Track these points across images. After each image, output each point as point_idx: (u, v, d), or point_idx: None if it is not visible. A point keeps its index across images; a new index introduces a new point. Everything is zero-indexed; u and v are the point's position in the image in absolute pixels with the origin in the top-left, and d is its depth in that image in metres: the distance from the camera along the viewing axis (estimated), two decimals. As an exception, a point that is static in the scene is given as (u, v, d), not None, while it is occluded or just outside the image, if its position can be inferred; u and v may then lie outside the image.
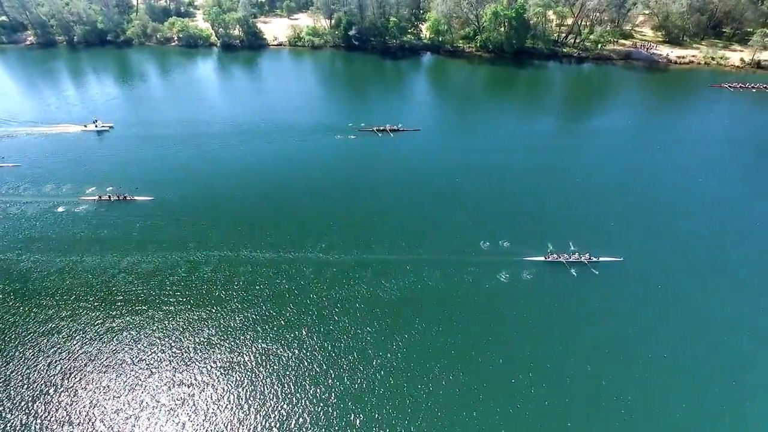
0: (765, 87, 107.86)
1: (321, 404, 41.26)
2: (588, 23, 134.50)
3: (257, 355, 45.61)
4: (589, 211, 66.71)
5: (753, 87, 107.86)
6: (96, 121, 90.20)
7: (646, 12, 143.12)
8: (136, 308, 50.52)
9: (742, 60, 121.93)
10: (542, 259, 56.74)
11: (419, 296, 52.16)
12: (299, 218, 64.26)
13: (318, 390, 42.30)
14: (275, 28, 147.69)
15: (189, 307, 50.67)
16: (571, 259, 56.59)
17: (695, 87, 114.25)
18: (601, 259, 56.44)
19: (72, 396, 42.01)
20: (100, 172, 75.44)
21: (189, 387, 42.76)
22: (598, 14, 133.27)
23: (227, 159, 79.86)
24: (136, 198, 68.13)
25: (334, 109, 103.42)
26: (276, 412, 40.74)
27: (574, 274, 55.13)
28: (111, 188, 69.60)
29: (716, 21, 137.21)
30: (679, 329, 49.16)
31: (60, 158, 79.87)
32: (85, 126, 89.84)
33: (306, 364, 44.62)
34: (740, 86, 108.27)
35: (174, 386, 42.82)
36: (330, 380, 43.15)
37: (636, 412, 41.69)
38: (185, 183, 72.51)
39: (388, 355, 45.59)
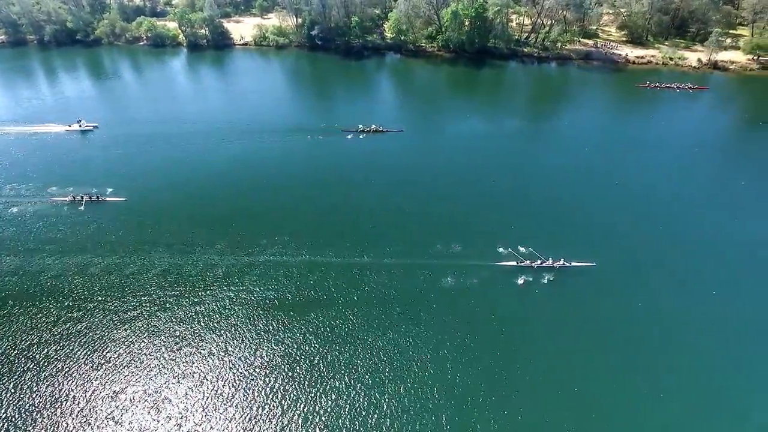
0: (689, 87, 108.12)
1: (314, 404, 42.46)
2: (550, 23, 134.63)
3: (238, 357, 46.46)
4: (560, 215, 66.14)
5: (677, 87, 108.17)
6: (80, 121, 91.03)
7: (609, 12, 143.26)
8: (100, 309, 51.36)
9: (699, 60, 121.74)
10: (514, 264, 56.50)
11: (381, 298, 52.46)
12: (279, 220, 64.60)
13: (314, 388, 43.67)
14: (246, 28, 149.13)
15: (157, 308, 51.52)
16: (543, 265, 56.31)
17: (622, 87, 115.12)
18: (573, 264, 56.28)
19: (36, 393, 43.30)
20: (79, 172, 76.34)
21: (160, 388, 43.51)
22: (561, 13, 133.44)
23: (207, 159, 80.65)
24: (108, 199, 68.91)
25: (312, 109, 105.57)
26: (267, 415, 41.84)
27: (546, 279, 54.89)
28: (85, 189, 70.20)
29: (680, 21, 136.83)
30: (653, 334, 48.95)
31: (41, 158, 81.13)
32: (69, 126, 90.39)
33: (275, 359, 45.98)
34: (665, 86, 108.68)
35: (144, 386, 43.77)
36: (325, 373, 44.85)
37: (609, 416, 41.86)
38: (162, 184, 73.16)
39: (363, 360, 46.10)
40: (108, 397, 42.89)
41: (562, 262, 56.36)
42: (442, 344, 47.52)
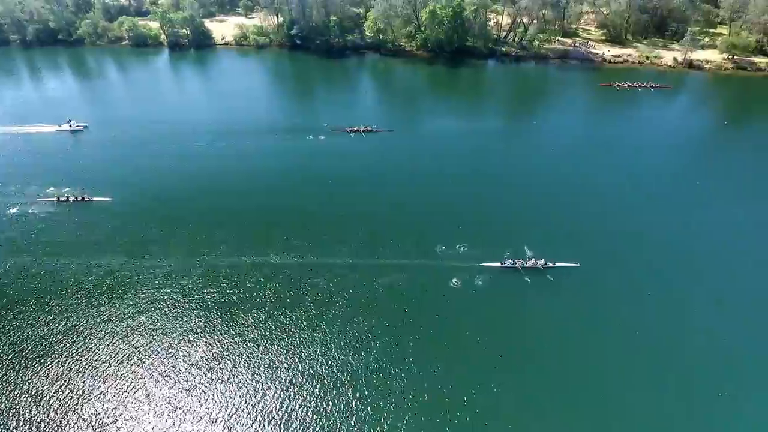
0: (651, 86, 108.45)
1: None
2: (529, 22, 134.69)
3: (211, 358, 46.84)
4: (544, 216, 66.22)
5: (640, 86, 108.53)
6: (70, 121, 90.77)
7: (588, 11, 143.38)
8: (78, 309, 51.84)
9: (674, 59, 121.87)
10: (498, 265, 56.18)
11: (373, 301, 52.32)
12: (263, 221, 64.73)
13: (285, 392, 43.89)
14: (229, 27, 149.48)
15: (131, 311, 51.79)
16: (527, 265, 56.03)
17: (587, 86, 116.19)
18: (557, 264, 56.14)
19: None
20: (66, 172, 76.48)
21: (143, 389, 44.11)
22: (539, 12, 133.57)
23: (192, 160, 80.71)
24: (94, 199, 68.94)
25: (293, 110, 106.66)
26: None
27: (530, 280, 54.56)
28: (71, 189, 70.22)
29: (660, 20, 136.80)
30: (636, 334, 48.93)
31: (30, 159, 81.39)
32: (59, 126, 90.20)
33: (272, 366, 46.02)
34: (629, 85, 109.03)
35: (122, 388, 44.30)
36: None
37: (589, 418, 41.83)
38: (148, 184, 73.39)
39: (342, 361, 46.29)
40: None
41: (546, 263, 56.14)
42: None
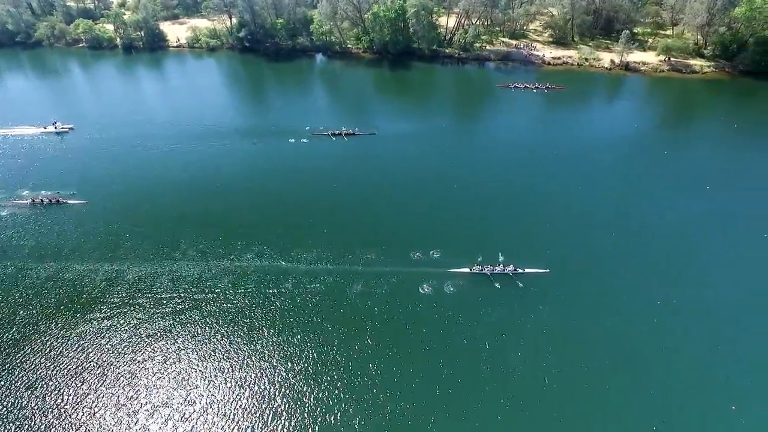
0: (546, 87, 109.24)
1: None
2: (472, 24, 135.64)
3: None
4: (514, 221, 66.35)
5: (535, 87, 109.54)
6: (55, 122, 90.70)
7: (534, 11, 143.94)
8: (41, 313, 52.18)
9: (612, 62, 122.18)
10: (467, 270, 55.98)
11: (338, 308, 52.34)
12: (245, 224, 64.70)
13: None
14: (185, 30, 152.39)
15: (95, 316, 52.02)
16: (496, 271, 55.90)
17: (485, 87, 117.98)
18: (527, 270, 55.87)
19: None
20: (47, 174, 76.92)
21: (113, 391, 44.53)
22: (482, 13, 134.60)
23: (171, 163, 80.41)
24: (68, 201, 68.90)
25: (265, 112, 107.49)
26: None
27: (499, 286, 54.43)
28: (45, 191, 70.82)
29: (606, 21, 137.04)
30: (606, 341, 48.71)
31: (10, 160, 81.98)
32: (45, 127, 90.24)
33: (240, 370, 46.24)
34: (525, 86, 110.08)
35: (91, 390, 44.75)
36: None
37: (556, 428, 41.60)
38: (123, 187, 73.40)
39: (306, 370, 46.20)
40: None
41: (515, 269, 56.13)
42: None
